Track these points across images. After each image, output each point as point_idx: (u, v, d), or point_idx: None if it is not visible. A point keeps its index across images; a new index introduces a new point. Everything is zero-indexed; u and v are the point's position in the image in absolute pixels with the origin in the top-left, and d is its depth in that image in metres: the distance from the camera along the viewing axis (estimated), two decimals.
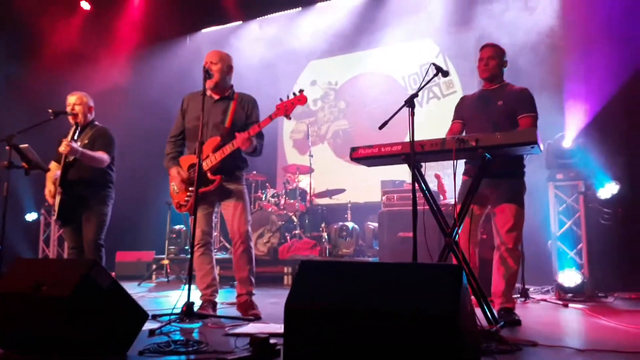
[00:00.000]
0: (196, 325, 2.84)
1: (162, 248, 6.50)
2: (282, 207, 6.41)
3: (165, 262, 6.10)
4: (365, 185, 7.06)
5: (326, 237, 5.80)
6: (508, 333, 2.61)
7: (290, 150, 8.47)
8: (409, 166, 2.85)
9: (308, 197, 6.52)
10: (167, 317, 2.79)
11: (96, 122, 3.81)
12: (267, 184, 6.94)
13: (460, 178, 3.21)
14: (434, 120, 7.31)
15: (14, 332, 2.04)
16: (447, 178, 5.10)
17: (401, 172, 7.06)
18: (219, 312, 3.25)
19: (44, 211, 7.17)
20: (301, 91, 3.11)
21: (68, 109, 3.68)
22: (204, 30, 8.77)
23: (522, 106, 3.04)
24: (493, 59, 3.18)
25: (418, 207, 5.07)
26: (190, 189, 3.23)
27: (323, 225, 6.19)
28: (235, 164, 3.26)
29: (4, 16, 6.84)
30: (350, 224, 5.74)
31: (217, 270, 3.38)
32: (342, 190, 6.66)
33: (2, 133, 4.70)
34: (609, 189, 4.32)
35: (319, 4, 8.02)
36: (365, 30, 7.68)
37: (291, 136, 8.54)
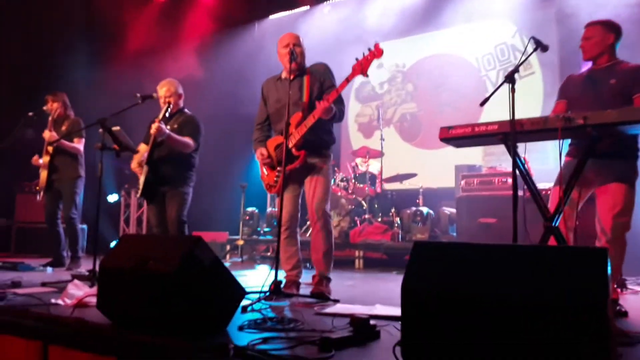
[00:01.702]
0: (283, 303, 2.85)
1: (236, 230, 6.65)
2: (351, 192, 6.35)
3: (240, 242, 6.23)
4: (437, 170, 6.85)
5: (398, 222, 5.69)
6: (618, 325, 2.41)
7: (355, 134, 8.38)
8: (507, 147, 2.70)
9: (378, 182, 6.41)
10: (256, 296, 2.81)
11: (186, 110, 3.97)
12: (335, 168, 6.90)
13: (563, 160, 3.00)
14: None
15: (120, 305, 2.10)
16: (534, 162, 4.84)
17: (476, 156, 6.83)
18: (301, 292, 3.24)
19: (124, 193, 7.52)
20: (376, 44, 2.99)
21: (160, 102, 3.84)
22: (271, 17, 8.79)
23: (638, 84, 2.77)
24: (588, 39, 2.97)
25: (503, 192, 4.84)
26: (278, 168, 3.23)
27: (393, 210, 6.08)
28: (319, 138, 3.21)
29: (84, 14, 7.19)
30: (424, 209, 5.59)
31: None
32: (413, 175, 6.50)
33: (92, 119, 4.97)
34: None
35: None
36: (434, 10, 7.39)
37: (356, 120, 8.43)
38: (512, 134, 2.56)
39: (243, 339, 1.90)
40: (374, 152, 6.50)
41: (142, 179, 3.74)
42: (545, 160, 5.67)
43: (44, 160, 4.82)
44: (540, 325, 1.21)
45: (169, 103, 3.79)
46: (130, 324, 2.05)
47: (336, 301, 2.93)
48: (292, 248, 3.27)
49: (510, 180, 4.82)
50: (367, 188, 6.18)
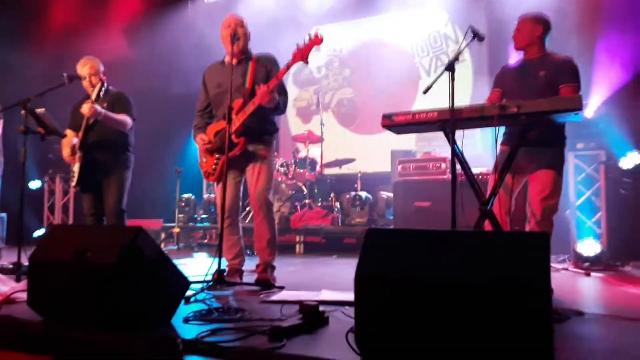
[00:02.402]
0: (227, 293, 2.81)
1: (171, 217, 6.43)
2: (291, 177, 6.33)
3: (176, 230, 6.05)
4: (374, 155, 6.99)
5: (338, 206, 5.75)
6: None
7: (293, 119, 8.33)
8: (445, 134, 2.78)
9: (318, 167, 6.44)
10: (199, 286, 2.74)
11: (111, 87, 3.69)
12: (274, 153, 6.82)
13: (498, 147, 3.14)
14: (444, 89, 7.21)
15: (53, 300, 1.97)
16: (464, 147, 5.04)
17: (409, 142, 7.03)
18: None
19: (48, 179, 7.04)
20: (316, 32, 2.97)
21: (83, 82, 3.56)
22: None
23: (564, 76, 2.95)
24: (519, 30, 3.11)
25: (437, 176, 5.01)
26: (216, 155, 3.14)
27: (332, 195, 6.14)
28: (261, 126, 3.15)
29: None
30: (363, 194, 5.69)
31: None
32: (352, 160, 6.58)
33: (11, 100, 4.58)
34: (631, 159, 4.28)
35: None
36: None
37: (294, 104, 8.36)
38: (451, 121, 2.64)
39: (190, 331, 1.84)
40: (314, 137, 6.51)
41: (76, 167, 3.47)
42: (475, 146, 5.93)
43: None
44: (492, 307, 1.26)
45: (102, 81, 3.53)
46: (65, 320, 1.93)
47: (281, 288, 2.93)
48: (234, 237, 3.22)
49: (444, 165, 5.02)
50: (307, 173, 6.19)
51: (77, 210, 7.25)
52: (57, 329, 1.82)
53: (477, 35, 2.87)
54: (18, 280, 2.68)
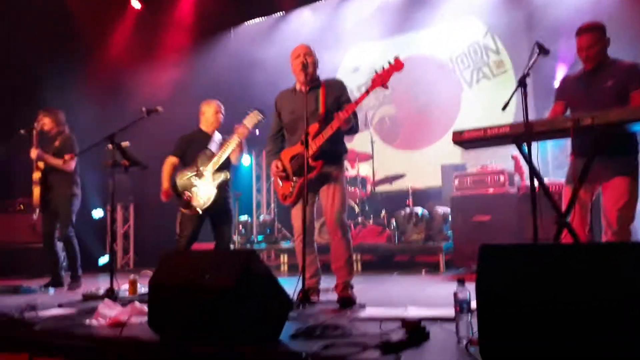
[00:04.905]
0: (313, 311, 2.91)
1: None
2: None
3: None
4: (420, 170, 7.05)
5: (394, 223, 5.81)
6: None
7: None
8: (518, 147, 2.84)
9: (369, 184, 6.53)
10: None
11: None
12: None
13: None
14: (486, 101, 7.25)
15: (173, 321, 2.12)
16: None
17: (456, 155, 7.04)
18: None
19: (109, 207, 7.36)
20: (396, 58, 3.10)
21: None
22: (247, 23, 8.80)
23: (634, 81, 2.96)
24: (593, 47, 3.03)
25: (496, 190, 5.01)
26: (294, 178, 3.28)
27: (384, 212, 6.21)
28: (335, 149, 3.29)
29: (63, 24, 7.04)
30: (419, 209, 5.73)
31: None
32: (401, 176, 6.65)
33: (80, 134, 4.93)
34: None
35: None
36: (407, 13, 7.59)
37: None
38: (526, 135, 2.70)
39: (303, 346, 1.95)
40: (362, 155, 6.62)
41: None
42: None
43: (35, 176, 4.74)
44: (623, 322, 1.32)
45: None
46: (184, 338, 2.07)
47: (362, 306, 3.01)
48: (311, 256, 3.33)
49: (502, 178, 5.03)
50: (358, 191, 6.29)
51: (137, 236, 7.57)
52: (184, 344, 1.96)
53: (542, 50, 2.94)
54: (124, 305, 2.85)
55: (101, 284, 4.54)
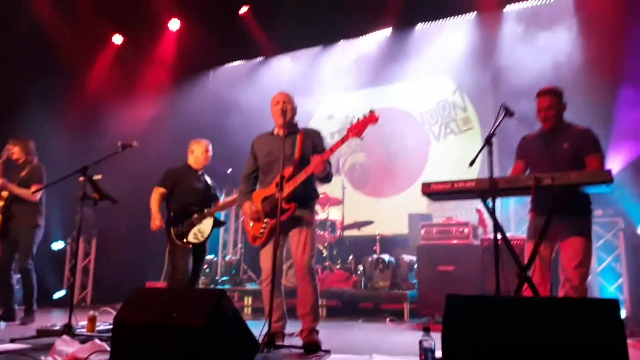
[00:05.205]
0: (277, 355, 2.88)
1: None
2: None
3: None
4: (387, 218, 7.19)
5: (361, 269, 5.85)
6: None
7: None
8: (483, 202, 2.98)
9: (338, 229, 6.59)
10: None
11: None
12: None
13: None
14: (452, 155, 7.54)
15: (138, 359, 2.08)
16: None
17: (423, 206, 7.21)
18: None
19: (71, 240, 7.16)
20: (371, 111, 3.24)
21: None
22: (227, 65, 8.99)
23: (588, 147, 3.16)
24: (552, 108, 3.23)
25: (460, 241, 5.15)
26: (265, 219, 3.32)
27: (351, 257, 6.25)
28: (307, 193, 3.37)
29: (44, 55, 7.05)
30: (386, 257, 5.80)
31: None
32: (370, 222, 6.75)
33: (52, 165, 4.87)
34: None
35: (340, 43, 8.30)
36: (382, 67, 7.91)
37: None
38: (490, 191, 2.85)
39: None
40: (334, 199, 6.71)
41: None
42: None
43: None
44: None
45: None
46: None
47: (327, 352, 3.01)
48: (278, 299, 3.32)
49: (466, 230, 5.18)
50: (327, 235, 6.33)
51: (97, 272, 7.33)
52: None
53: (508, 112, 3.13)
54: (83, 342, 2.76)
55: (56, 320, 4.37)
